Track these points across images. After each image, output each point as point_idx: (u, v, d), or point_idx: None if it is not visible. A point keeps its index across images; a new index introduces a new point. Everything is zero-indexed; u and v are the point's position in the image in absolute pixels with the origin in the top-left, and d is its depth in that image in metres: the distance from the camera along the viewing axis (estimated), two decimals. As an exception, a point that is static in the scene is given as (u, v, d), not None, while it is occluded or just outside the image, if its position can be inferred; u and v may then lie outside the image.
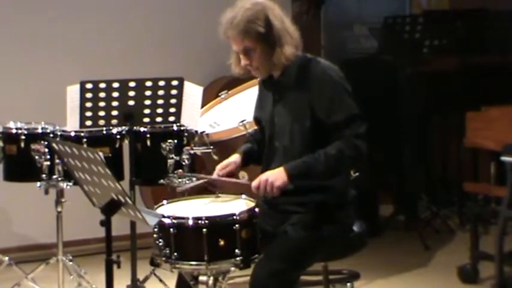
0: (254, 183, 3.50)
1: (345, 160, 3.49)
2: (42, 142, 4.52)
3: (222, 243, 3.45)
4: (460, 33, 6.53)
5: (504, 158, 4.70)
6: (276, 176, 3.47)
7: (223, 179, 3.68)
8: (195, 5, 6.19)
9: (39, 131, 4.65)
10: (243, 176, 3.74)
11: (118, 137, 4.62)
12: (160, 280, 4.78)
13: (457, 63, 6.53)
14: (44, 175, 4.55)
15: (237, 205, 3.67)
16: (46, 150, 4.51)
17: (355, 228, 3.71)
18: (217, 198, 3.82)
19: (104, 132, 4.58)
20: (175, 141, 4.49)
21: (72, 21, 5.89)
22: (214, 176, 3.71)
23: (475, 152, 5.58)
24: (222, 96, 5.00)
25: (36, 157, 4.52)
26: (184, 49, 6.17)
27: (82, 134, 4.54)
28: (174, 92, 4.33)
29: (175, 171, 4.45)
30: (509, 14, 6.78)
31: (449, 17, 6.74)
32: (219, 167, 3.72)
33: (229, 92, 5.00)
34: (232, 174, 3.72)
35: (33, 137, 4.60)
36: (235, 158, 3.74)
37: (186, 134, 4.56)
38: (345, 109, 3.50)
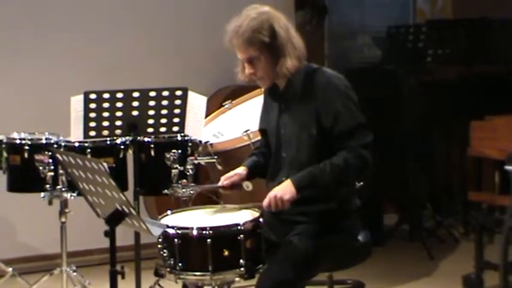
0: (265, 203, 3.51)
1: (350, 170, 3.49)
2: (46, 153, 4.52)
3: (226, 253, 3.45)
4: (463, 43, 6.53)
5: (508, 167, 4.68)
6: (284, 190, 3.47)
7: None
8: (198, 15, 6.20)
9: (43, 141, 4.65)
10: (247, 186, 3.73)
11: (122, 147, 4.62)
12: (165, 291, 4.78)
13: (460, 72, 6.53)
14: (47, 185, 4.54)
15: (241, 215, 3.66)
16: (50, 160, 4.51)
17: (360, 237, 3.71)
18: (221, 208, 3.81)
19: (108, 142, 4.58)
20: (179, 151, 4.48)
21: (76, 32, 5.90)
22: (219, 185, 3.72)
23: (479, 161, 5.56)
24: (226, 106, 5.00)
25: (40, 168, 4.52)
26: (188, 59, 6.18)
27: (86, 145, 4.54)
28: (178, 102, 4.33)
29: (180, 181, 4.45)
30: (512, 23, 6.78)
31: (453, 27, 6.74)
32: (223, 177, 3.72)
33: (233, 101, 5.01)
34: (237, 185, 3.72)
35: (37, 147, 4.60)
36: (240, 170, 3.74)
37: (190, 144, 4.56)
38: (351, 119, 3.50)
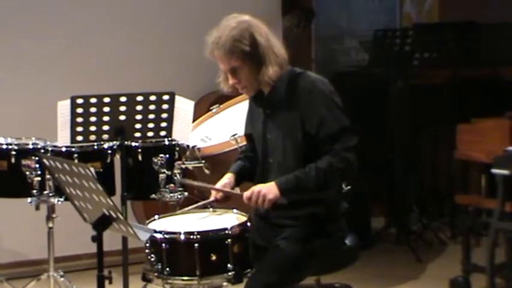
0: (246, 194, 3.50)
1: (335, 174, 3.49)
2: (33, 158, 4.50)
3: (214, 258, 3.45)
4: (450, 46, 6.55)
5: (495, 171, 4.71)
6: (268, 189, 3.48)
7: (218, 188, 3.68)
8: (187, 19, 6.19)
9: (30, 146, 4.64)
10: (236, 190, 3.73)
11: (109, 152, 4.61)
12: (152, 295, 4.76)
13: (447, 75, 6.55)
14: (34, 191, 4.53)
15: (229, 219, 3.66)
16: (37, 165, 4.49)
17: (347, 241, 3.71)
18: (208, 213, 3.81)
19: (95, 147, 4.57)
20: (167, 155, 4.48)
21: (63, 37, 5.89)
22: (212, 199, 3.71)
23: (466, 164, 5.58)
24: (213, 110, 5.00)
25: (27, 173, 4.51)
26: (175, 64, 6.17)
27: (73, 149, 4.53)
28: (165, 106, 4.33)
29: (167, 186, 4.45)
30: (499, 27, 6.80)
31: (440, 30, 6.76)
32: (214, 192, 3.70)
33: (221, 106, 5.01)
34: (228, 197, 3.71)
35: (23, 152, 4.58)
36: (228, 178, 3.73)
37: (177, 149, 4.56)
38: (335, 122, 3.50)
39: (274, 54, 3.54)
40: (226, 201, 3.73)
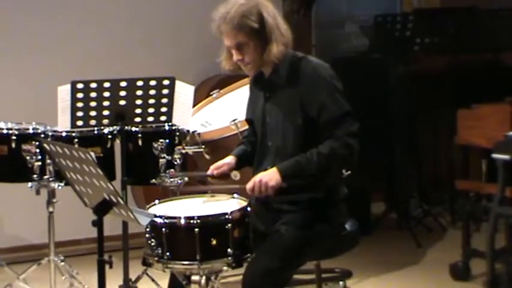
0: (248, 185, 3.50)
1: (337, 159, 3.49)
2: (33, 142, 4.51)
3: (214, 242, 3.45)
4: (450, 32, 6.53)
5: (495, 156, 4.71)
6: (270, 176, 3.47)
7: (218, 187, 3.69)
8: (185, 4, 6.18)
9: (30, 131, 4.63)
10: (235, 175, 3.73)
11: (109, 136, 4.61)
12: (153, 280, 4.77)
13: (447, 61, 6.55)
14: (35, 175, 4.53)
15: (229, 204, 3.67)
16: (37, 150, 4.50)
17: (347, 226, 3.72)
18: (209, 198, 3.81)
19: (95, 132, 4.57)
20: (167, 140, 4.48)
21: (63, 21, 5.88)
22: (209, 173, 3.72)
23: (466, 149, 5.59)
24: (214, 95, 5.00)
25: (28, 157, 4.51)
26: (176, 48, 6.17)
27: (73, 134, 4.53)
28: (165, 91, 4.32)
29: (167, 171, 4.45)
30: (500, 12, 6.79)
31: (440, 15, 6.75)
32: (212, 167, 3.72)
33: (221, 91, 5.00)
34: (226, 175, 3.71)
35: (24, 137, 4.58)
36: (229, 159, 3.74)
37: (177, 134, 4.55)
38: (336, 107, 3.50)
39: (280, 33, 3.55)
40: (221, 179, 3.72)
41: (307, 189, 3.57)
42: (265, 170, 3.55)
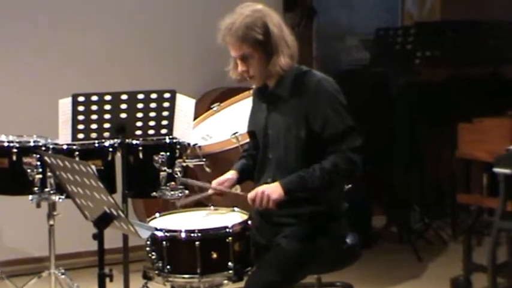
0: (250, 195, 3.49)
1: (340, 174, 3.49)
2: (34, 155, 4.50)
3: (214, 256, 3.45)
4: (451, 45, 6.54)
5: (496, 170, 4.70)
6: (273, 189, 3.47)
7: (219, 187, 3.68)
8: (189, 17, 6.19)
9: (31, 144, 4.63)
10: (236, 188, 3.73)
11: (110, 149, 4.60)
12: (153, 293, 4.76)
13: (448, 74, 6.55)
14: (36, 188, 4.53)
15: (230, 218, 3.66)
16: (38, 163, 4.49)
17: (348, 240, 3.70)
18: (209, 211, 3.81)
19: (96, 145, 4.56)
20: (168, 153, 4.47)
21: (63, 35, 5.89)
22: (211, 187, 3.71)
23: (468, 163, 5.58)
24: (214, 108, 4.99)
25: (28, 170, 4.50)
26: (176, 61, 6.17)
27: (74, 147, 4.52)
28: (166, 104, 4.32)
29: (168, 184, 4.44)
30: (500, 26, 6.80)
31: (441, 29, 6.76)
32: (215, 182, 3.71)
33: (221, 104, 5.00)
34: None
35: (25, 150, 4.58)
36: (231, 174, 3.73)
37: (178, 147, 4.55)
38: (340, 122, 3.49)
39: (286, 45, 3.55)
40: (224, 196, 3.71)
41: (309, 202, 3.56)
42: (266, 182, 3.55)
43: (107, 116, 4.26)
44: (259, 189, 3.48)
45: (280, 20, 3.61)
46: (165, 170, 4.45)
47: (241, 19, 3.52)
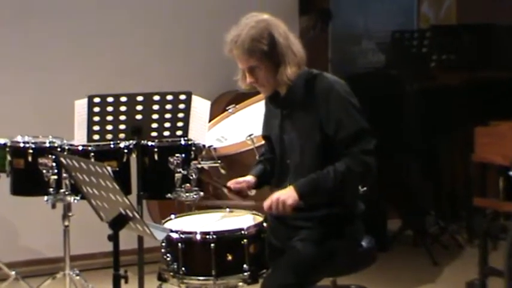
0: (266, 203, 3.48)
1: (353, 177, 3.47)
2: (50, 156, 4.51)
3: (230, 258, 3.45)
4: (467, 48, 6.53)
5: (512, 173, 4.68)
6: (287, 194, 3.45)
7: (234, 202, 3.68)
8: (203, 19, 6.19)
9: (47, 145, 4.64)
10: (250, 191, 3.72)
11: (125, 151, 4.61)
12: (168, 295, 4.76)
13: (464, 77, 6.53)
14: (51, 189, 4.54)
15: (245, 220, 3.66)
16: (53, 164, 4.50)
17: (363, 243, 3.70)
18: (225, 213, 3.81)
19: (112, 146, 4.57)
20: (183, 155, 4.47)
21: (79, 36, 5.90)
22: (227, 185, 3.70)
23: (484, 166, 5.56)
24: (230, 110, 4.99)
25: (44, 171, 4.52)
26: (192, 63, 6.17)
27: (89, 148, 4.53)
28: (181, 106, 4.32)
29: (183, 186, 4.44)
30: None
31: (457, 32, 6.75)
32: (233, 181, 3.70)
33: (237, 106, 5.00)
34: (243, 192, 3.69)
35: (40, 151, 4.59)
36: (249, 178, 3.72)
37: (193, 148, 4.55)
38: (353, 124, 3.48)
39: (292, 53, 3.53)
40: (238, 195, 3.68)
41: (324, 205, 3.55)
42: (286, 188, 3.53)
43: (123, 118, 4.27)
44: (274, 196, 3.47)
45: (286, 28, 3.58)
46: (180, 172, 4.45)
47: (246, 31, 3.50)
